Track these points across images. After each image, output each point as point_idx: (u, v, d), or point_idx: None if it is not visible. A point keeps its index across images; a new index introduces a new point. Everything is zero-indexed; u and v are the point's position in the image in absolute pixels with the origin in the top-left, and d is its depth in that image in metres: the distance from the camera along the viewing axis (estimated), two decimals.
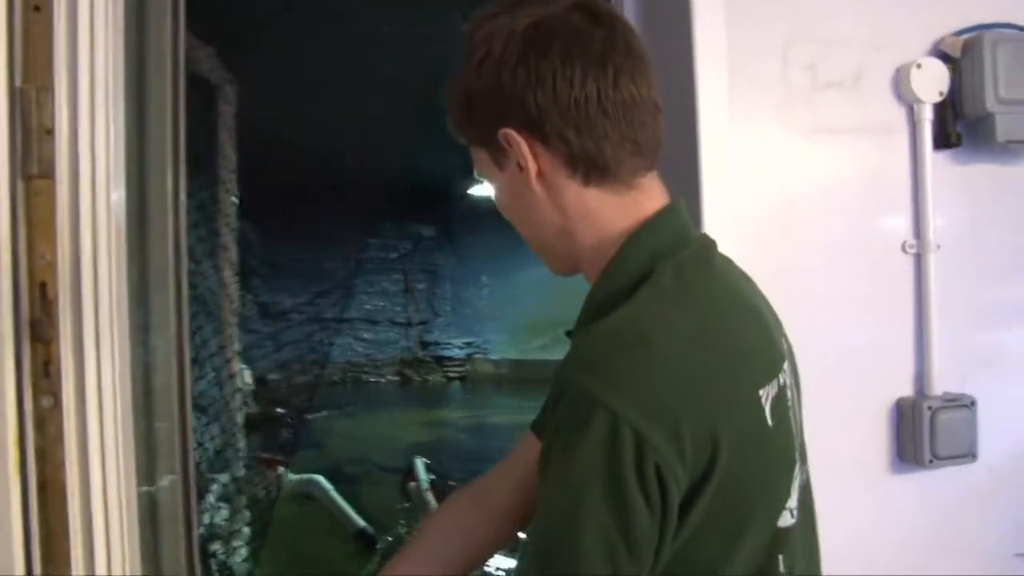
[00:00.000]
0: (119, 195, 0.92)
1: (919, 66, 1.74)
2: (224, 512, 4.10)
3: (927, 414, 1.70)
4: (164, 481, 1.51)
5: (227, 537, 3.89)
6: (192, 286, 4.12)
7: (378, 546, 4.87)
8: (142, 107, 1.49)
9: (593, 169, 0.91)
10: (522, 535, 0.95)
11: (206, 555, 3.44)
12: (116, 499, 0.84)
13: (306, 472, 5.32)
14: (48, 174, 0.79)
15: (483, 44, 0.91)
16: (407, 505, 5.08)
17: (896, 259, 1.76)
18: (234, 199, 4.14)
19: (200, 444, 3.72)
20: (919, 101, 1.75)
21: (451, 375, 12.84)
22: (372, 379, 12.51)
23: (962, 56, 1.75)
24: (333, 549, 4.92)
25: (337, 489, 5.22)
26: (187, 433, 1.55)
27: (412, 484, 5.24)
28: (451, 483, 5.36)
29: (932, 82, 1.75)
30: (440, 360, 12.95)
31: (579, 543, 0.79)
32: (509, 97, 0.89)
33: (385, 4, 4.68)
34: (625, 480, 0.77)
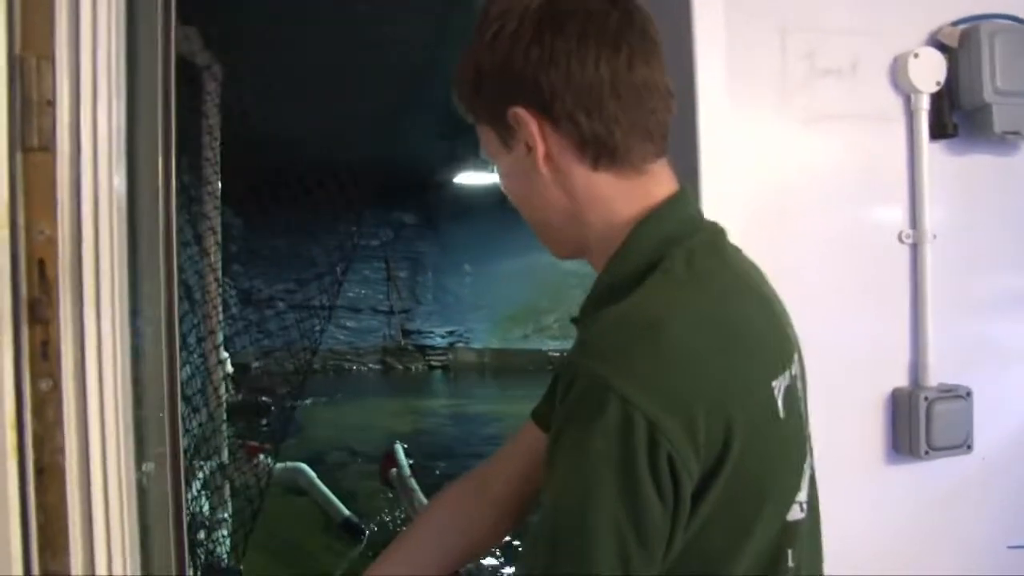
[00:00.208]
0: (121, 169, 0.89)
1: (916, 56, 1.73)
2: (208, 500, 4.08)
3: (923, 405, 1.69)
4: (149, 467, 1.49)
5: (212, 526, 3.86)
6: (179, 271, 4.07)
7: (364, 535, 4.85)
8: (133, 88, 1.46)
9: (602, 153, 0.89)
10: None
11: (192, 544, 3.41)
12: (116, 484, 0.81)
13: (289, 460, 5.27)
14: (48, 146, 0.76)
15: (497, 19, 0.89)
16: (391, 494, 5.04)
17: (892, 249, 1.75)
18: (219, 184, 4.10)
19: (187, 431, 3.68)
20: (916, 91, 1.74)
21: (433, 364, 12.83)
22: (354, 367, 12.47)
23: (959, 46, 1.75)
24: (318, 538, 4.90)
25: (319, 478, 5.20)
26: (176, 419, 1.53)
27: (393, 471, 5.18)
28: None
29: (929, 72, 1.74)
30: (422, 349, 12.93)
31: (590, 534, 0.77)
32: (520, 75, 0.87)
33: None
34: (637, 470, 0.76)
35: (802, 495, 0.92)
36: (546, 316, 11.99)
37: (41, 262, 0.74)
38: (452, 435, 8.54)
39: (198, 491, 3.97)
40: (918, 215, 1.75)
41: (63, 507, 0.76)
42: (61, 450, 0.76)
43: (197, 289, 3.96)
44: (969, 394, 1.75)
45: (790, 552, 0.89)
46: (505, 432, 7.31)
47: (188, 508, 3.56)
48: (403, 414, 9.44)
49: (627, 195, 0.91)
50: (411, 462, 5.19)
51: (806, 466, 0.94)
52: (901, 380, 1.76)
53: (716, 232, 0.96)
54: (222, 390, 4.09)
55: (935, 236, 1.75)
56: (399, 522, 5.10)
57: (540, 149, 0.89)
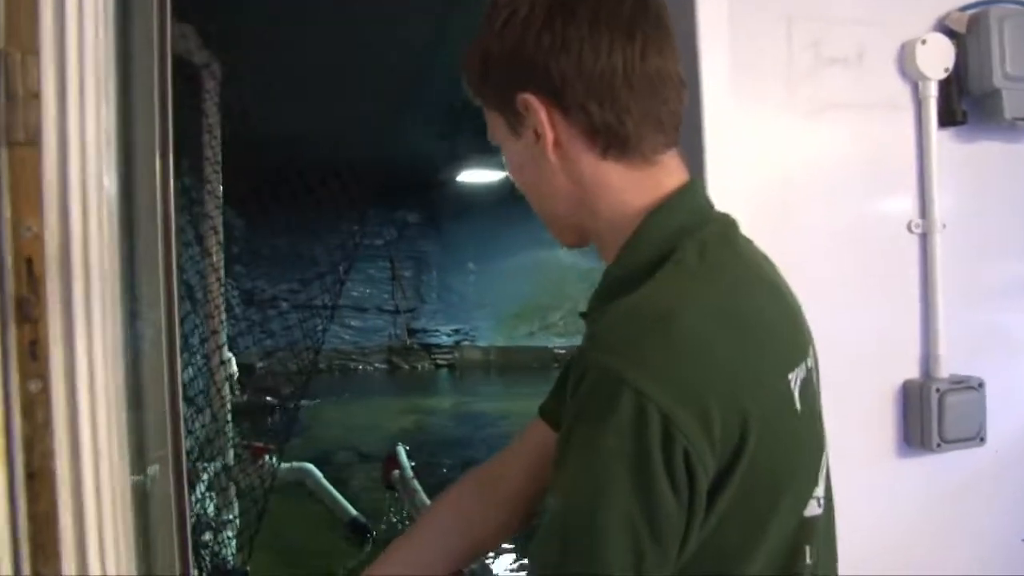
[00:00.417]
0: (111, 165, 0.87)
1: (924, 42, 1.70)
2: (213, 502, 4.07)
3: (934, 397, 1.67)
4: (153, 470, 1.47)
5: (217, 527, 3.85)
6: (180, 271, 4.06)
7: (371, 535, 4.83)
8: (128, 84, 1.44)
9: (613, 142, 0.87)
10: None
11: (197, 545, 3.39)
12: (109, 489, 0.79)
13: (295, 461, 5.26)
14: (35, 141, 0.74)
15: (508, 5, 0.87)
16: (397, 494, 5.02)
17: (901, 239, 1.74)
18: (220, 184, 4.08)
19: (190, 432, 3.67)
20: (924, 78, 1.72)
21: (439, 362, 12.82)
22: (360, 367, 12.47)
23: (967, 32, 1.73)
24: (325, 539, 4.88)
25: (325, 478, 5.18)
26: (178, 421, 1.51)
27: (396, 472, 5.15)
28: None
29: (937, 58, 1.71)
30: (428, 347, 12.92)
31: (601, 532, 0.75)
32: (531, 62, 0.86)
33: None
34: (652, 465, 0.74)
35: (819, 490, 0.90)
36: (552, 313, 11.97)
37: (29, 260, 0.72)
38: (458, 434, 8.54)
39: (203, 493, 3.96)
40: (927, 204, 1.73)
41: (54, 513, 0.74)
42: (52, 453, 0.73)
43: (200, 289, 3.94)
44: (981, 385, 1.73)
45: (808, 548, 0.87)
46: (512, 430, 7.30)
47: (192, 510, 3.56)
48: (409, 413, 9.44)
49: (637, 185, 0.89)
50: (413, 463, 5.17)
51: (823, 460, 0.93)
52: (912, 372, 1.74)
53: (728, 223, 0.95)
54: (226, 391, 4.08)
55: (945, 225, 1.73)
56: (405, 522, 5.08)
57: (549, 136, 0.87)
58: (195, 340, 3.74)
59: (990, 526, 1.77)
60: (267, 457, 4.31)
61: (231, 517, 4.01)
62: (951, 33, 1.73)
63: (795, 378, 0.86)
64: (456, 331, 13.02)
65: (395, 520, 5.06)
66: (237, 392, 5.90)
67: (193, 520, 3.69)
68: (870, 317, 1.72)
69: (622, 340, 0.79)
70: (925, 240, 1.73)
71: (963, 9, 1.73)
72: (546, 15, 0.85)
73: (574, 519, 0.78)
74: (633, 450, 0.74)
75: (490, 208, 10.26)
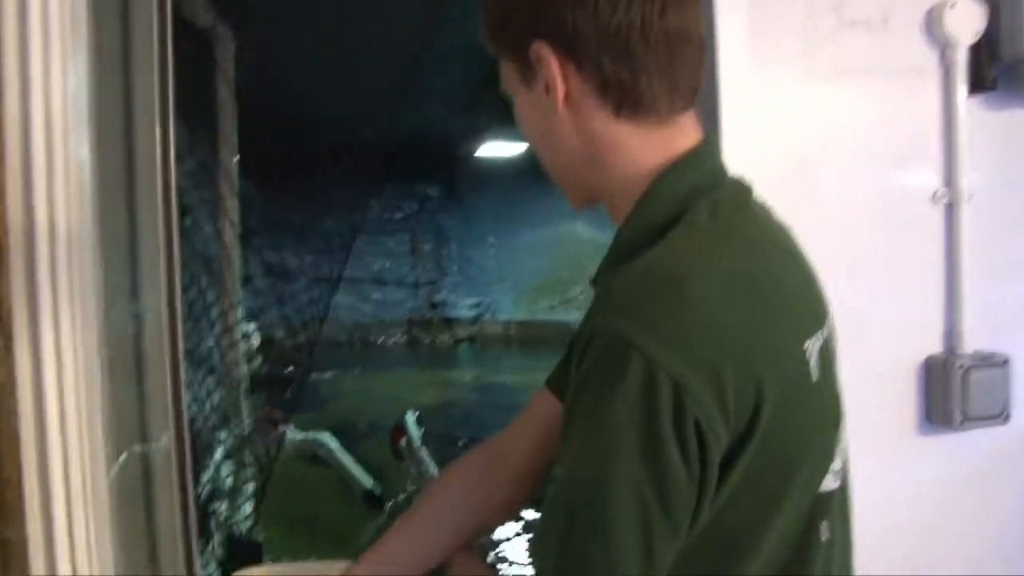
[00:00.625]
0: (82, 130, 0.83)
1: (953, 5, 1.65)
2: (226, 471, 4.10)
3: (958, 373, 1.64)
4: (160, 441, 1.45)
5: (229, 496, 3.87)
6: (192, 243, 4.06)
7: (387, 506, 4.84)
8: (127, 52, 1.41)
9: (626, 100, 0.84)
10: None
11: (207, 514, 3.41)
12: (79, 454, 0.76)
13: (312, 431, 5.27)
14: None
15: None
16: (405, 463, 5.02)
17: (926, 210, 1.69)
18: (235, 156, 4.06)
19: (202, 402, 3.69)
20: (953, 42, 1.66)
21: (459, 336, 12.83)
22: (380, 340, 12.51)
23: None
24: (340, 509, 4.90)
25: (343, 449, 5.19)
26: (179, 392, 1.49)
27: (403, 441, 5.13)
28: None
29: (967, 22, 1.66)
30: (448, 321, 12.94)
31: (609, 503, 0.73)
32: (546, 12, 0.83)
33: None
34: (661, 435, 0.71)
35: (836, 464, 0.87)
36: (572, 288, 11.93)
37: None
38: (477, 406, 8.55)
39: (218, 462, 3.99)
40: (953, 174, 1.69)
41: (18, 475, 0.71)
42: (15, 414, 0.70)
43: (213, 260, 3.94)
44: (1006, 362, 1.69)
45: (823, 524, 0.84)
46: None
47: (203, 481, 3.58)
48: (429, 386, 9.45)
49: (649, 145, 0.86)
50: (423, 431, 5.16)
51: (840, 433, 0.89)
52: (935, 347, 1.70)
53: (742, 186, 0.91)
54: (241, 361, 4.09)
55: (971, 195, 1.68)
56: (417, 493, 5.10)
57: (560, 89, 0.84)
58: (207, 311, 3.75)
59: (1013, 506, 1.74)
60: (279, 426, 4.32)
61: (245, 486, 4.04)
62: None
63: (811, 347, 0.83)
64: (476, 304, 13.03)
65: (413, 490, 5.07)
66: (256, 362, 5.95)
67: (205, 488, 3.72)
68: (891, 290, 1.68)
69: (631, 304, 0.76)
70: (950, 211, 1.69)
71: None
72: None
73: (580, 491, 0.75)
74: (642, 419, 0.71)
75: (511, 181, 10.22)
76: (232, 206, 3.93)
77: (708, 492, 0.74)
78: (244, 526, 3.65)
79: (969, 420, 1.65)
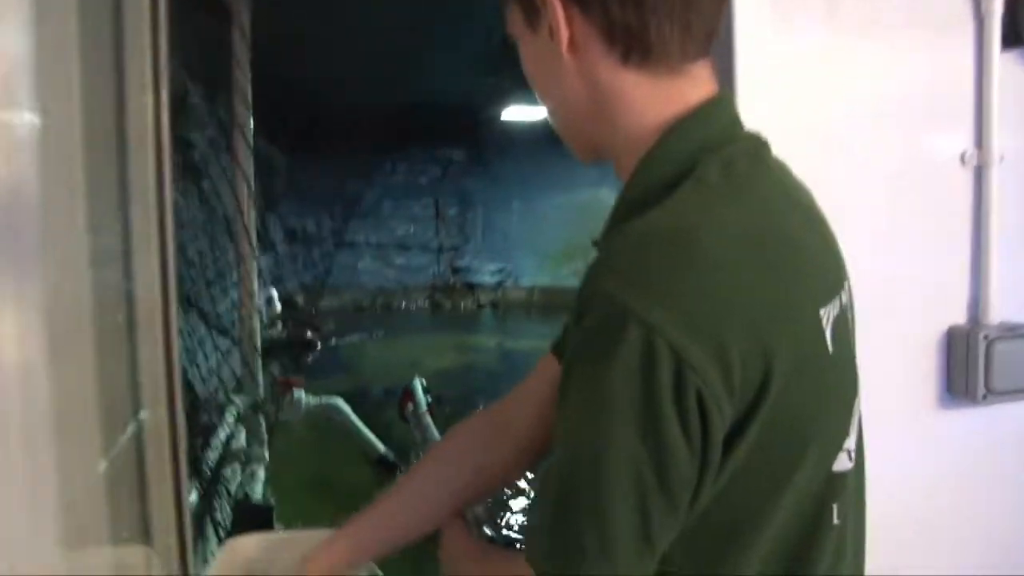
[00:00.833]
0: (25, 93, 0.76)
1: None
2: (241, 434, 4.12)
3: (982, 344, 1.58)
4: (146, 413, 1.42)
5: (243, 460, 3.89)
6: (210, 208, 4.05)
7: (399, 471, 4.86)
8: (119, 15, 1.36)
9: (634, 47, 0.78)
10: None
11: (215, 479, 3.42)
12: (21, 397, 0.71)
13: (328, 395, 5.29)
14: None
15: None
16: (411, 427, 5.04)
17: (953, 172, 1.62)
18: (250, 119, 4.03)
19: (216, 366, 3.71)
20: None
21: (482, 301, 12.87)
22: (403, 305, 12.56)
23: None
24: (354, 474, 4.92)
25: (361, 415, 5.19)
26: (172, 361, 1.46)
27: (410, 406, 5.14)
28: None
29: None
30: (471, 286, 12.96)
31: (604, 482, 0.69)
32: None
33: None
34: (660, 408, 0.67)
35: (850, 442, 0.82)
36: (595, 254, 11.89)
37: None
38: (498, 372, 8.58)
39: (232, 426, 4.01)
40: (984, 134, 1.61)
41: None
42: None
43: (230, 223, 3.92)
44: None
45: (835, 507, 0.80)
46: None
47: (214, 445, 3.58)
48: (451, 351, 9.50)
49: (659, 96, 0.81)
50: (429, 399, 5.17)
51: (855, 409, 0.85)
52: (958, 317, 1.64)
53: (759, 142, 0.85)
54: (256, 326, 4.09)
55: (1003, 158, 1.61)
56: None
57: (564, 34, 0.79)
58: (223, 275, 3.75)
59: None
60: (295, 391, 4.34)
61: (256, 449, 4.06)
62: None
63: (827, 315, 0.78)
64: (500, 270, 13.03)
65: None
66: (277, 327, 5.96)
67: (218, 454, 3.74)
68: (913, 256, 1.62)
69: (630, 266, 0.71)
70: (979, 173, 1.62)
71: None
72: None
73: (575, 468, 0.72)
74: (640, 392, 0.67)
75: (536, 146, 10.14)
76: (248, 166, 3.89)
77: (710, 470, 0.70)
78: (256, 489, 3.67)
79: (993, 394, 1.59)
